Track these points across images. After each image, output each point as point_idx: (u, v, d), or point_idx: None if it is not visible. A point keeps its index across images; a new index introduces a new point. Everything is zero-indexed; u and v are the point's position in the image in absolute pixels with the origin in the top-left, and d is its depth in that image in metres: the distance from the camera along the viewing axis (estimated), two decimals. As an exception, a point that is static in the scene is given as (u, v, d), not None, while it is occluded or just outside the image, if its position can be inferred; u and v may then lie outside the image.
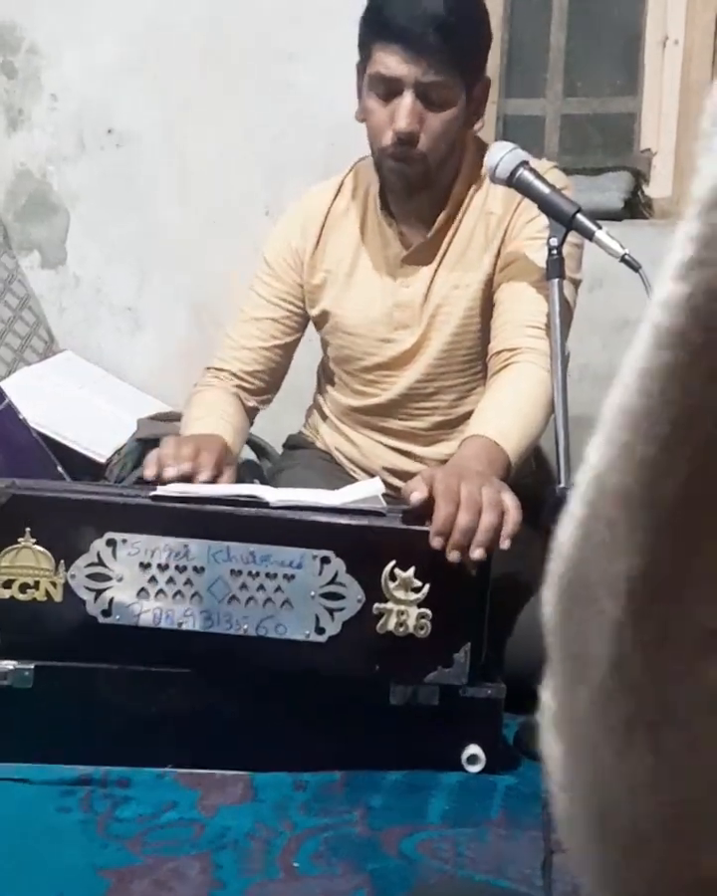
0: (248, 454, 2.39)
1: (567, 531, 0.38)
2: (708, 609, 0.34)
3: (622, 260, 1.65)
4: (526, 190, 1.71)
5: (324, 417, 2.06)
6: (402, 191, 1.83)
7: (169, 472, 1.63)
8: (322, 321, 1.96)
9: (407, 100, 1.72)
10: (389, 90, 1.74)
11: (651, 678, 0.35)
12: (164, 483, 1.61)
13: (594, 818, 0.38)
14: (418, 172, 1.78)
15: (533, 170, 1.71)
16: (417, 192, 1.82)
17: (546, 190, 1.69)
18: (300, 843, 1.36)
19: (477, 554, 1.47)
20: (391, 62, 1.72)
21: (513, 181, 1.71)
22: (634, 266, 1.65)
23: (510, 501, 1.49)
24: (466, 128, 1.82)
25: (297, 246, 1.93)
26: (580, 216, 1.67)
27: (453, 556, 1.48)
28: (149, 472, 1.66)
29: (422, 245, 1.87)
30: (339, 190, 1.95)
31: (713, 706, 0.34)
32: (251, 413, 1.98)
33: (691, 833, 0.36)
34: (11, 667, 1.51)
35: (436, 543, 1.48)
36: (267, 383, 1.98)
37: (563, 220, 1.68)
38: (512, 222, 1.83)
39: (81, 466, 2.36)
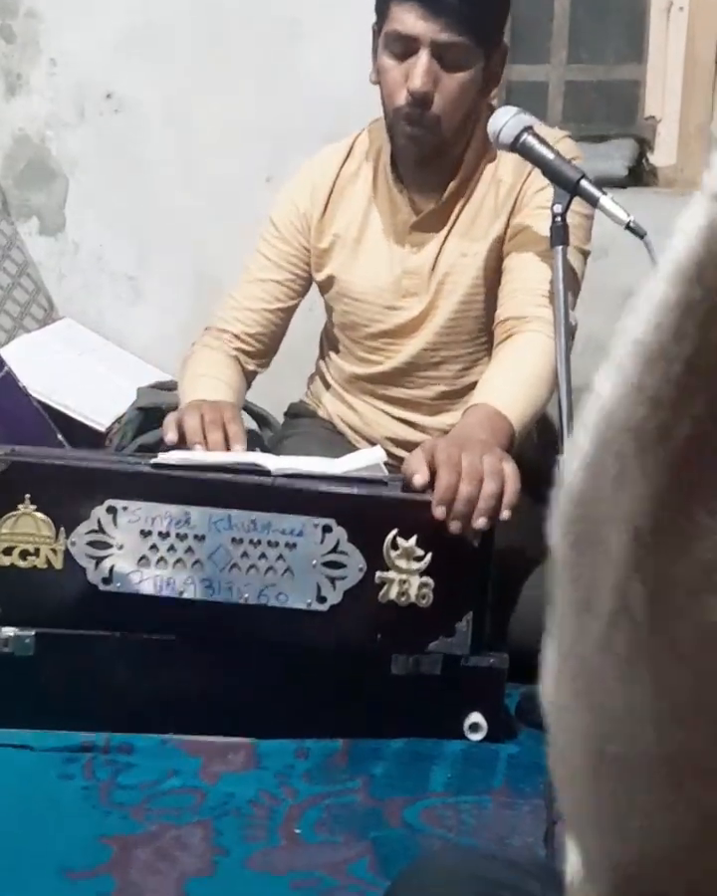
0: (249, 423, 2.37)
1: (573, 464, 0.38)
2: (710, 545, 0.34)
3: (627, 227, 1.63)
4: (530, 156, 1.68)
5: (326, 385, 2.04)
6: (415, 159, 1.80)
7: (197, 450, 1.62)
8: (327, 285, 1.94)
9: (423, 59, 1.69)
10: (405, 48, 1.71)
11: (654, 612, 0.35)
12: (166, 450, 1.61)
13: (592, 751, 0.38)
14: (432, 140, 1.75)
15: (537, 135, 1.69)
16: (430, 161, 1.79)
17: (550, 156, 1.67)
18: (302, 811, 1.36)
19: (480, 523, 1.47)
20: (408, 19, 1.69)
21: (517, 146, 1.69)
22: (639, 233, 1.63)
23: (510, 470, 1.48)
24: (482, 97, 1.78)
25: (305, 209, 1.91)
26: (584, 183, 1.65)
27: (455, 526, 1.48)
28: (170, 436, 1.65)
29: (432, 212, 1.84)
30: (349, 153, 1.91)
31: (714, 642, 0.34)
32: (249, 377, 1.96)
33: (694, 773, 0.36)
34: (12, 634, 1.51)
35: (439, 512, 1.47)
36: (266, 346, 1.95)
37: (567, 187, 1.66)
38: (522, 191, 1.80)
39: (81, 435, 2.35)
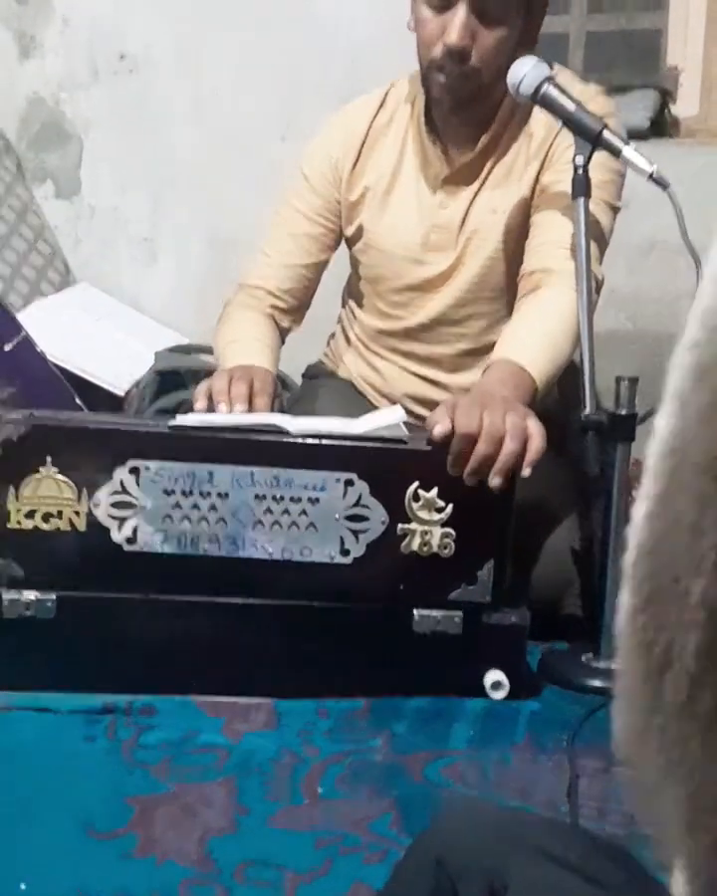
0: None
1: (641, 514, 0.35)
2: None
3: (650, 178, 1.60)
4: (551, 107, 1.65)
5: (349, 342, 2.02)
6: (450, 106, 1.76)
7: (221, 409, 1.61)
8: (355, 238, 1.91)
9: (461, 13, 1.66)
10: (444, 1, 1.68)
11: None
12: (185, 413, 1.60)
13: (691, 822, 0.36)
14: (468, 87, 1.72)
15: (558, 86, 1.65)
16: (465, 108, 1.76)
17: (571, 107, 1.64)
18: (324, 769, 1.36)
19: (495, 482, 1.47)
20: None
21: (538, 98, 1.66)
22: (663, 184, 1.60)
23: (534, 427, 1.47)
24: (521, 48, 1.74)
25: (336, 159, 1.88)
26: (606, 133, 1.62)
27: (471, 481, 1.48)
28: (200, 405, 1.64)
29: (465, 166, 1.81)
30: (382, 104, 1.88)
31: None
32: (283, 335, 1.94)
33: None
34: (33, 598, 1.51)
35: (455, 472, 1.48)
36: (300, 302, 1.93)
37: (588, 137, 1.63)
38: (553, 147, 1.77)
39: (99, 399, 2.35)
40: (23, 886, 1.10)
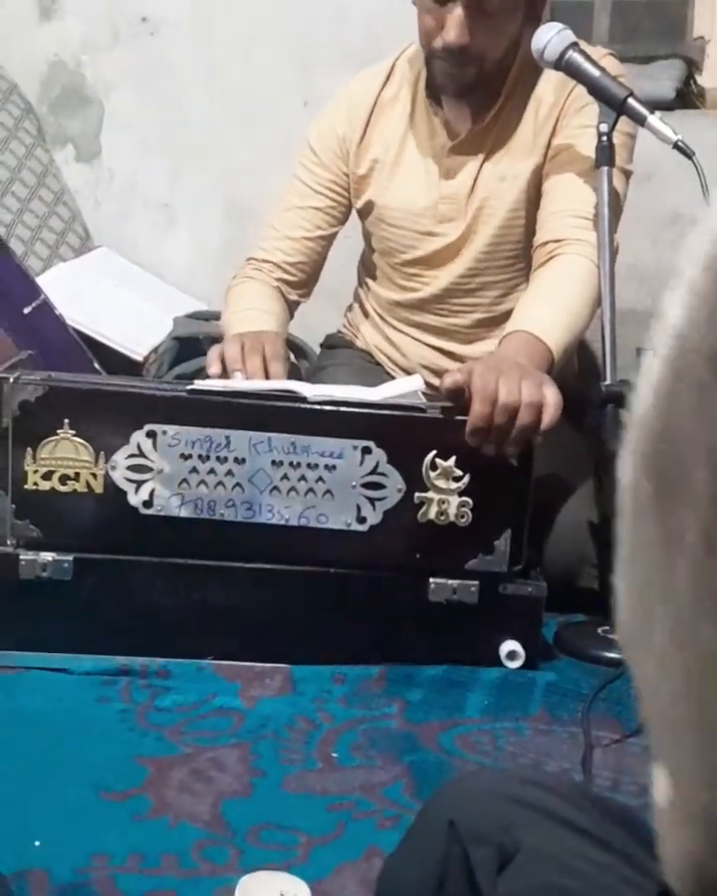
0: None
1: (645, 398, 0.35)
2: None
3: (675, 146, 1.59)
4: (575, 73, 1.64)
5: (365, 314, 2.02)
6: (454, 93, 1.76)
7: (237, 378, 1.60)
8: (366, 211, 1.90)
9: (457, 12, 1.64)
10: None
11: None
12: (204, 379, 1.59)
13: (698, 700, 0.36)
14: (472, 73, 1.71)
15: (583, 52, 1.64)
16: (471, 91, 1.75)
17: (596, 73, 1.62)
18: (338, 735, 1.36)
19: (510, 451, 1.47)
20: None
21: (562, 64, 1.64)
22: (688, 153, 1.58)
23: (551, 395, 1.46)
24: (527, 24, 1.72)
25: (343, 133, 1.87)
26: (631, 101, 1.61)
27: (487, 450, 1.48)
28: (213, 370, 1.63)
29: (470, 136, 1.80)
30: (388, 76, 1.87)
31: None
32: (292, 308, 1.94)
33: None
34: (50, 559, 1.51)
35: (471, 442, 1.47)
36: (308, 275, 1.93)
37: (613, 105, 1.61)
38: (564, 110, 1.75)
39: (117, 364, 2.34)
40: (38, 843, 1.10)
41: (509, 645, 1.53)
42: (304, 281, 1.93)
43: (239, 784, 1.24)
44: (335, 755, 1.32)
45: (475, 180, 1.81)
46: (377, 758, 1.31)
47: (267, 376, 1.62)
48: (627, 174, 1.76)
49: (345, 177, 1.89)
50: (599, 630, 1.62)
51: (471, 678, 1.51)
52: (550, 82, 1.75)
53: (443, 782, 1.17)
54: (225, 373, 1.63)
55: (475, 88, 1.74)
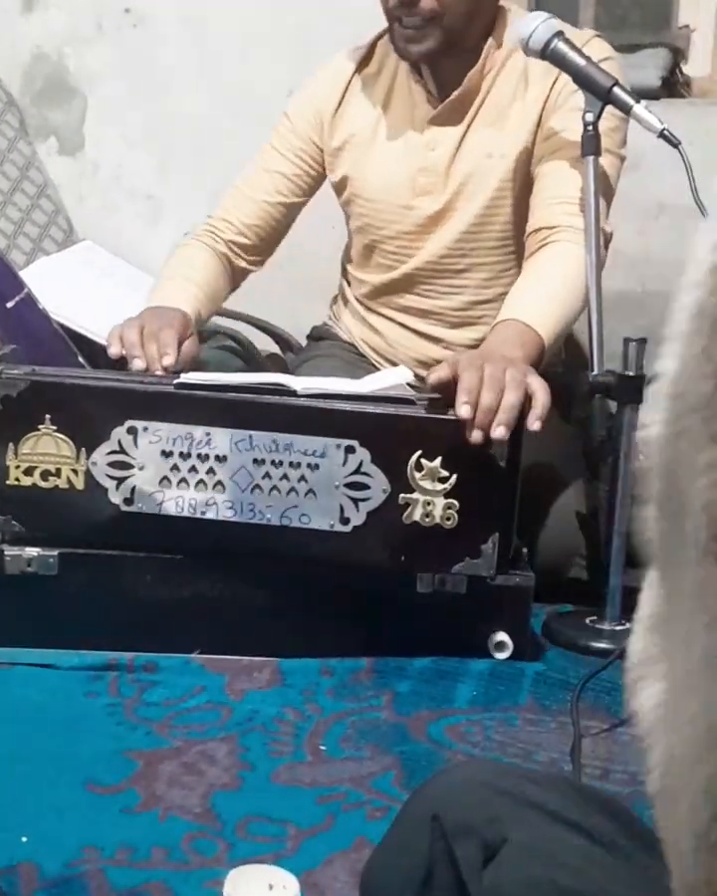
0: (271, 347, 2.34)
1: (650, 448, 0.37)
2: None
3: (661, 135, 1.59)
4: (560, 63, 1.63)
5: (345, 303, 2.00)
6: (416, 57, 1.74)
7: (137, 364, 1.61)
8: (341, 187, 1.89)
9: None
10: None
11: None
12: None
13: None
14: (432, 37, 1.68)
15: (568, 41, 1.63)
16: (438, 56, 1.72)
17: (581, 63, 1.62)
18: (327, 727, 1.36)
19: (499, 432, 1.42)
20: None
21: (547, 53, 1.63)
22: (674, 142, 1.58)
23: (537, 383, 1.45)
24: None
25: (320, 105, 1.87)
26: (617, 90, 1.60)
27: (476, 435, 1.43)
28: (113, 350, 1.65)
29: (450, 105, 1.78)
30: (371, 51, 1.87)
31: None
32: (240, 275, 1.92)
33: None
34: (35, 554, 1.51)
35: (464, 411, 1.42)
36: (263, 241, 1.91)
37: (599, 94, 1.61)
38: (555, 88, 1.74)
39: (101, 358, 2.32)
40: (24, 839, 1.10)
41: (498, 636, 1.53)
42: (258, 247, 1.91)
43: (228, 776, 1.24)
44: (324, 747, 1.31)
45: (456, 151, 1.79)
46: (367, 749, 1.31)
47: (163, 363, 1.60)
48: (621, 159, 1.75)
49: (317, 150, 1.88)
50: (588, 620, 1.62)
51: (460, 669, 1.51)
52: (539, 62, 1.74)
53: (433, 772, 1.17)
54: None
55: (440, 54, 1.72)
